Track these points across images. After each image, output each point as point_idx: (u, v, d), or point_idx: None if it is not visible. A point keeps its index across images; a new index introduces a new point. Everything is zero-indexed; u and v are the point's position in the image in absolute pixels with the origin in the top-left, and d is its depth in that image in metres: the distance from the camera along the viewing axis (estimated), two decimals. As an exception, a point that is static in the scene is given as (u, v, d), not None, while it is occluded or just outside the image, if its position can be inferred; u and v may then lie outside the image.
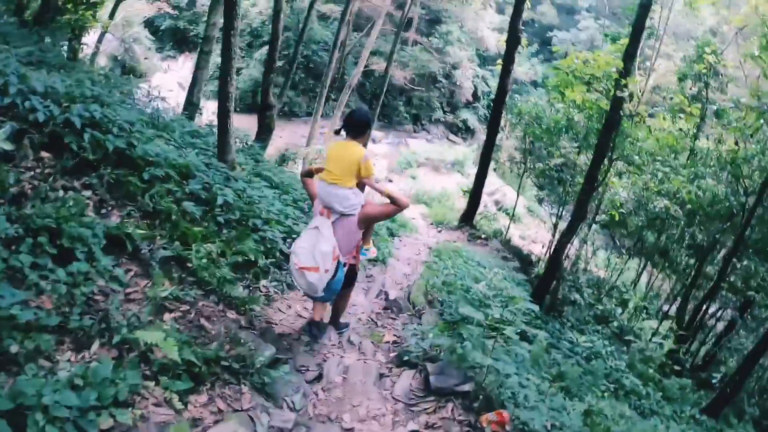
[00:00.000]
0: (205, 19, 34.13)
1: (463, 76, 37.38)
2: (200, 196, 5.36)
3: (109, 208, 4.58)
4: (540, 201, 28.89)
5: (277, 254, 5.87)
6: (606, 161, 10.63)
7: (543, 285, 11.32)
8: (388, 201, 4.34)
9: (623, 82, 8.99)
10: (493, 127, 16.43)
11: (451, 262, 10.72)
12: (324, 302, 4.80)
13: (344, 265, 4.31)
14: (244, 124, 26.38)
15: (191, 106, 10.66)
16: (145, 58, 32.55)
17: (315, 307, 4.84)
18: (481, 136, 37.93)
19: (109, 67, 27.95)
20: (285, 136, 27.19)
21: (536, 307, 5.87)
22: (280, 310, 5.26)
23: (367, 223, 4.40)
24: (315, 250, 4.01)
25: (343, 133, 4.30)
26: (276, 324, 4.91)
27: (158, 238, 4.41)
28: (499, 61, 15.99)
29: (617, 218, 11.38)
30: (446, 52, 36.67)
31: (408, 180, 27.40)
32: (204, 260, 4.42)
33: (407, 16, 17.72)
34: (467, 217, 17.15)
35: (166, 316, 3.80)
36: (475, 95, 39.25)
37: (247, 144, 8.49)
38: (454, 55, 36.84)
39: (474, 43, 39.19)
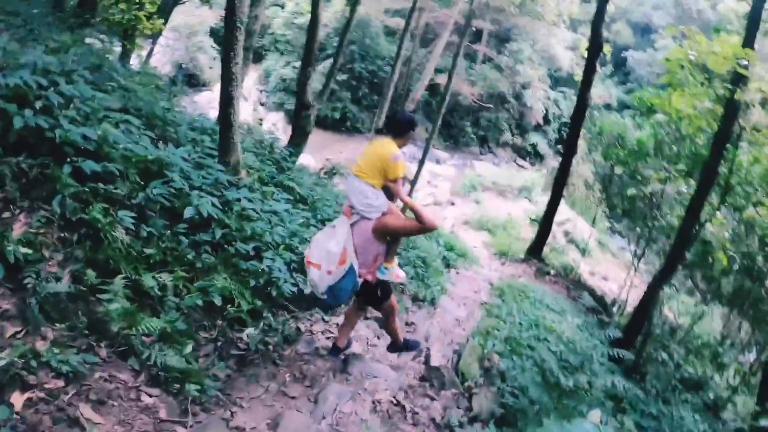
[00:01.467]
0: (270, 31, 33.55)
1: (533, 97, 35.02)
2: (165, 205, 3.78)
3: (17, 212, 3.09)
4: (614, 233, 26.59)
5: (277, 292, 4.20)
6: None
7: (626, 340, 9.22)
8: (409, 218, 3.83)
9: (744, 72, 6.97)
10: (569, 147, 14.37)
11: (516, 306, 8.84)
12: (346, 325, 4.41)
13: (359, 276, 3.78)
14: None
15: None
16: (210, 68, 32.16)
17: (340, 331, 4.41)
18: (551, 161, 35.72)
19: (171, 74, 27.83)
20: (346, 151, 25.96)
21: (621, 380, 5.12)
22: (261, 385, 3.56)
23: (385, 234, 3.82)
24: (325, 247, 3.70)
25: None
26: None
27: (57, 261, 2.82)
28: (579, 72, 13.99)
29: (726, 263, 9.11)
30: (516, 71, 34.49)
31: (472, 204, 25.47)
32: (124, 302, 2.79)
33: (471, 26, 16.04)
34: (535, 249, 15.16)
35: (15, 398, 2.19)
36: (545, 118, 36.75)
37: (271, 147, 6.94)
38: (524, 74, 34.61)
39: (545, 62, 36.82)
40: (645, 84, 38.04)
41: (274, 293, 4.16)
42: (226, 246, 4.06)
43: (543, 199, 26.84)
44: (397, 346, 4.54)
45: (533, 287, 11.16)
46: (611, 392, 6.38)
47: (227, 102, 5.03)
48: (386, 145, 3.75)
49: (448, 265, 10.89)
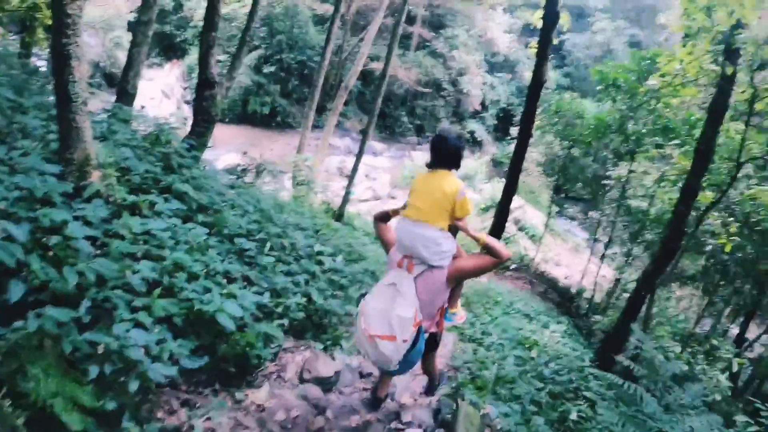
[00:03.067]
0: (192, 24, 30.83)
1: (470, 83, 33.83)
2: None
3: None
4: (562, 216, 25.77)
5: (139, 382, 2.40)
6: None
7: (614, 342, 7.93)
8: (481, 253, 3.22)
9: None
10: (525, 129, 12.89)
11: (489, 318, 7.31)
12: (392, 376, 3.89)
13: (425, 331, 3.24)
14: (228, 135, 23.07)
15: (126, 96, 7.25)
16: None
17: (381, 380, 3.84)
18: (491, 148, 34.95)
19: (89, 74, 24.63)
20: (277, 148, 23.94)
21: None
22: None
23: (459, 279, 3.32)
24: (392, 313, 3.03)
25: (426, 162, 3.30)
26: None
27: None
28: (533, 43, 12.59)
29: (728, 248, 7.87)
30: (452, 57, 33.28)
31: (414, 197, 24.01)
32: None
33: (406, 11, 14.62)
34: None
35: None
36: (483, 104, 35.67)
37: (157, 139, 4.99)
38: (460, 60, 33.36)
39: (482, 47, 35.76)
40: (582, 67, 37.79)
41: (132, 386, 2.34)
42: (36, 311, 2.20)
43: (486, 187, 25.85)
44: (433, 387, 4.21)
45: (498, 289, 9.74)
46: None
47: (62, 60, 3.15)
48: (447, 177, 3.18)
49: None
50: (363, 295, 3.33)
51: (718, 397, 7.87)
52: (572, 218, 25.98)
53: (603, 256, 14.50)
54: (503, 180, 26.04)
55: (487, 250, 3.17)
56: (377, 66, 26.42)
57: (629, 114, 11.40)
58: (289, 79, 29.40)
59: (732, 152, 8.79)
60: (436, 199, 3.13)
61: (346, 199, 9.78)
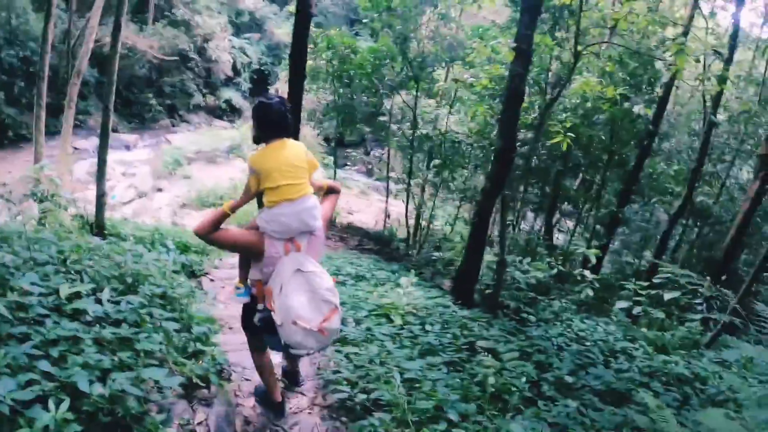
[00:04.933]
0: None
1: (218, 48, 31.11)
2: None
3: None
4: (344, 165, 25.36)
5: None
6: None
7: (466, 279, 7.11)
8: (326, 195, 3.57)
9: None
10: (297, 70, 11.42)
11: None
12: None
13: None
14: None
15: None
16: None
17: (270, 375, 3.56)
18: (250, 113, 32.87)
19: None
20: (16, 170, 18.98)
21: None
22: None
23: (328, 227, 3.51)
24: (320, 292, 2.98)
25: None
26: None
27: None
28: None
29: (565, 146, 7.30)
30: (195, 23, 30.12)
31: (183, 183, 21.38)
32: None
33: None
34: None
35: None
36: (235, 69, 33.28)
37: None
38: (204, 25, 30.35)
39: (225, 9, 33.07)
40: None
41: None
42: None
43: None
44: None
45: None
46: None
47: None
48: (296, 146, 3.15)
49: (193, 274, 7.38)
50: (261, 320, 3.16)
51: (590, 293, 7.58)
52: (346, 165, 25.73)
53: (393, 194, 14.26)
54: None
55: (329, 190, 3.52)
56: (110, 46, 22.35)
57: (410, 37, 10.65)
58: (13, 82, 23.28)
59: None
60: (302, 169, 3.11)
61: (100, 207, 7.42)
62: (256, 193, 3.16)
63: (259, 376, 3.59)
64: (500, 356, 4.75)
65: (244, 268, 3.37)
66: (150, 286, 4.28)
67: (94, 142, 24.85)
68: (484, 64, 9.96)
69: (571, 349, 5.43)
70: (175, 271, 6.84)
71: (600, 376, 4.59)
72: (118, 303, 3.72)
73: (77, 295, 3.58)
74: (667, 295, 6.93)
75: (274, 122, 3.09)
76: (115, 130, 27.63)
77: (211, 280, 7.47)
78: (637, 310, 7.32)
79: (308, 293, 2.96)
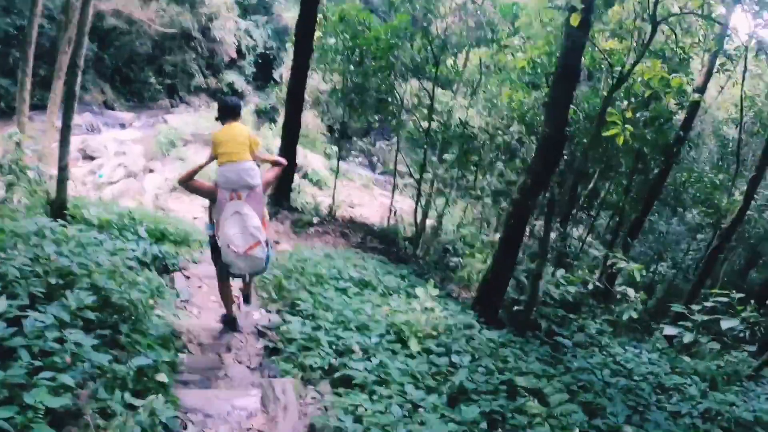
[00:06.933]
0: None
1: (223, 29, 29.74)
2: None
3: None
4: (351, 158, 24.09)
5: None
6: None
7: (492, 292, 5.94)
8: (271, 166, 4.72)
9: None
10: (303, 47, 10.22)
11: (331, 315, 4.81)
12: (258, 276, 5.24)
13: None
14: None
15: None
16: None
17: (231, 300, 5.01)
18: (252, 98, 31.82)
19: None
20: (4, 143, 17.65)
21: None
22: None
23: (266, 188, 4.64)
24: (249, 228, 4.15)
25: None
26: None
27: None
28: None
29: (621, 140, 6.03)
30: (200, 1, 28.76)
31: (176, 164, 20.07)
32: None
33: None
34: (280, 197, 11.32)
35: None
36: (239, 52, 31.85)
37: None
38: (209, 4, 29.01)
39: (231, -13, 31.76)
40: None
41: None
42: None
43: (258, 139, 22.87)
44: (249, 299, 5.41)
45: (310, 256, 7.09)
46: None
47: None
48: (241, 128, 4.40)
49: (165, 269, 6.19)
50: (211, 237, 4.54)
51: (634, 315, 6.42)
52: (349, 156, 24.63)
53: (400, 189, 13.10)
54: (272, 129, 23.38)
55: (274, 163, 4.72)
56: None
57: (433, 10, 9.43)
58: (8, 52, 22.18)
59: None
60: (242, 142, 4.29)
61: (62, 182, 6.22)
62: (213, 156, 4.35)
63: (222, 300, 4.97)
64: (545, 397, 4.03)
65: (211, 210, 4.52)
66: (83, 292, 3.06)
67: (87, 117, 23.71)
68: (515, 50, 8.79)
69: (618, 384, 4.80)
70: (143, 264, 5.69)
71: (659, 424, 4.10)
72: (23, 317, 2.52)
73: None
74: (725, 324, 5.90)
75: (228, 111, 4.44)
76: (111, 108, 26.50)
77: (187, 277, 6.29)
78: (687, 338, 6.26)
79: (240, 227, 4.16)
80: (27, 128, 11.52)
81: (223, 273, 4.60)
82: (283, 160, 4.67)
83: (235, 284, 5.20)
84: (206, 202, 4.63)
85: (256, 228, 4.09)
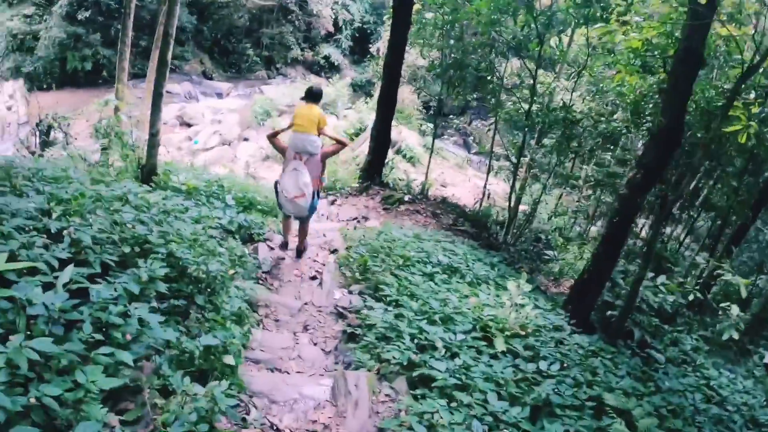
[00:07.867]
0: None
1: (320, 3, 29.90)
2: None
3: None
4: (444, 135, 23.48)
5: None
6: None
7: (587, 293, 5.41)
8: (334, 143, 6.09)
9: None
10: (401, 20, 9.86)
11: (415, 305, 4.58)
12: (303, 224, 6.09)
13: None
14: (48, 104, 17.36)
15: None
16: None
17: (290, 229, 6.27)
18: (349, 72, 31.79)
19: None
20: (106, 111, 18.82)
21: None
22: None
23: (324, 158, 5.89)
24: (300, 182, 5.49)
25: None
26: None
27: None
28: None
29: (744, 139, 5.28)
30: (297, -26, 29.08)
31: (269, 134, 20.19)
32: None
33: None
34: (373, 172, 11.06)
35: None
36: (336, 25, 31.91)
37: None
38: (306, -23, 29.29)
39: (329, -39, 31.73)
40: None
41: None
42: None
43: (349, 113, 22.85)
44: (303, 250, 6.27)
45: (399, 236, 6.78)
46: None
47: None
48: (314, 109, 5.66)
49: (250, 239, 6.13)
50: (276, 183, 5.73)
51: (735, 335, 5.69)
52: (443, 134, 24.02)
53: (494, 171, 12.48)
54: (368, 103, 23.15)
55: (336, 141, 6.04)
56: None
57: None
58: (110, 24, 23.41)
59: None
60: (311, 120, 5.58)
61: (152, 148, 6.25)
62: (291, 124, 5.71)
63: (282, 229, 6.31)
64: (633, 419, 3.72)
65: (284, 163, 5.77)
66: (156, 263, 2.90)
67: (186, 86, 24.54)
68: (628, 29, 7.97)
69: (709, 412, 4.52)
70: (228, 232, 5.63)
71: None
72: (93, 285, 2.37)
73: (32, 272, 2.29)
74: None
75: (311, 95, 5.77)
76: (210, 78, 27.37)
77: (271, 248, 6.18)
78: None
79: (294, 180, 5.50)
80: (127, 96, 11.90)
81: (282, 211, 5.93)
82: (347, 140, 6.34)
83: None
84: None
85: (304, 184, 5.44)
